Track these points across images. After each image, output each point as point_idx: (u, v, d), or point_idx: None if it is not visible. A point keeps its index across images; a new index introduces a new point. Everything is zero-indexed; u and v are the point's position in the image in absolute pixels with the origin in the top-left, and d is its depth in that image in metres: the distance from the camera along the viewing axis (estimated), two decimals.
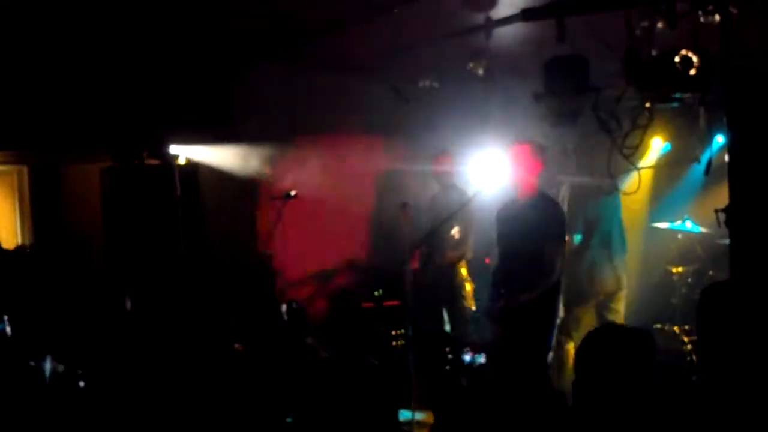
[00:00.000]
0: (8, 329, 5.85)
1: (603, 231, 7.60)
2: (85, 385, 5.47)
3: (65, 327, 6.25)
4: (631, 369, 3.26)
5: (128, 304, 6.98)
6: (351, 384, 5.05)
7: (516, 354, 6.07)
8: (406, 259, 7.06)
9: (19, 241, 9.09)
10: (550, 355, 6.35)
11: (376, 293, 8.02)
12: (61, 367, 5.53)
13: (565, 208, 7.25)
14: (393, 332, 7.89)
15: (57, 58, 7.63)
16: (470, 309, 7.83)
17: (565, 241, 6.31)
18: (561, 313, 6.42)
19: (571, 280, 7.28)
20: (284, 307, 7.60)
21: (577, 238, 7.65)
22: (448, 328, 7.87)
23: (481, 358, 5.87)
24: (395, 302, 8.04)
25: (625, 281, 7.62)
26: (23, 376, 5.33)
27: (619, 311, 7.51)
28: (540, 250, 6.12)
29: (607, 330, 3.42)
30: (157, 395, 5.70)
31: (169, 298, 7.46)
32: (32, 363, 5.50)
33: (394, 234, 7.41)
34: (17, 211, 9.11)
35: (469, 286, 7.88)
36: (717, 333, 3.33)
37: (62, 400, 5.39)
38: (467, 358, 6.10)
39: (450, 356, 6.15)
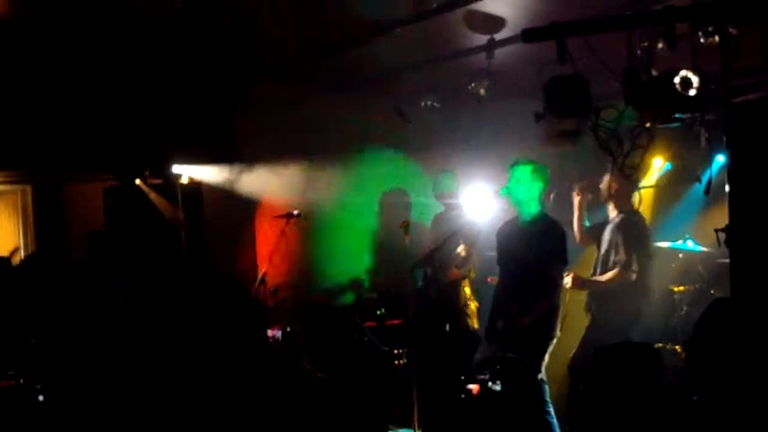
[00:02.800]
0: None
1: None
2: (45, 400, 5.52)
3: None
4: (639, 385, 3.27)
5: (130, 320, 6.99)
6: (344, 404, 5.07)
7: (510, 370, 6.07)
8: (408, 278, 7.08)
9: (22, 258, 9.11)
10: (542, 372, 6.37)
11: (378, 312, 8.02)
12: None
13: None
14: (395, 351, 7.88)
15: (60, 78, 7.67)
16: (474, 327, 7.83)
17: (566, 260, 6.33)
18: (558, 332, 6.42)
19: None
20: (279, 332, 7.65)
21: None
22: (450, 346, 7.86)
23: (498, 386, 5.84)
24: (397, 321, 8.03)
25: None
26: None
27: None
28: (541, 269, 6.14)
29: (615, 347, 3.43)
30: (156, 411, 5.72)
31: (170, 316, 7.47)
32: None
33: (396, 253, 7.42)
34: (20, 231, 9.14)
35: (473, 305, 7.88)
36: (716, 350, 3.34)
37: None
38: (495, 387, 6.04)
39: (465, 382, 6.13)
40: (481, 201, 7.12)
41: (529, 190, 6.38)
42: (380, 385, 7.49)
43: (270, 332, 7.69)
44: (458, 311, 7.80)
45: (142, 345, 6.72)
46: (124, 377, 6.03)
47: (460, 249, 7.60)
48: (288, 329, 7.61)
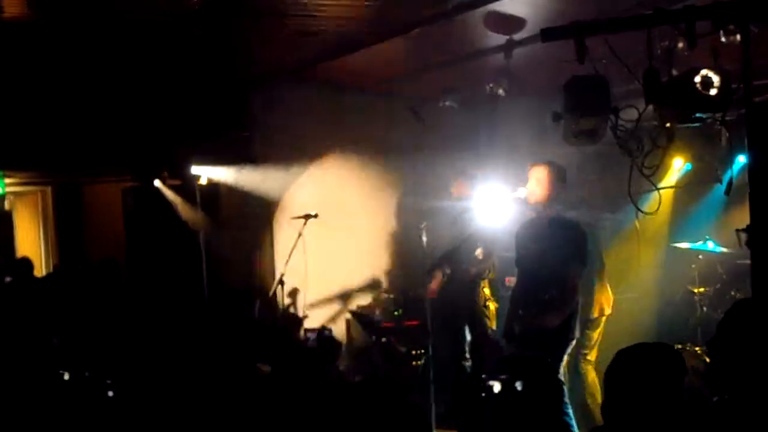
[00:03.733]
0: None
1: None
2: (114, 394, 5.54)
3: (96, 341, 6.35)
4: (662, 385, 3.25)
5: (150, 321, 7.04)
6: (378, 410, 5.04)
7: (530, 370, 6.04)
8: (425, 280, 7.08)
9: (43, 259, 9.18)
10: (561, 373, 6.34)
11: (395, 313, 8.02)
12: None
13: None
14: (413, 352, 7.88)
15: (79, 80, 7.72)
16: (492, 328, 7.81)
17: (585, 262, 6.29)
18: (577, 333, 6.39)
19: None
20: (314, 335, 7.65)
21: None
22: (467, 347, 7.85)
23: (518, 385, 5.82)
24: (415, 322, 8.03)
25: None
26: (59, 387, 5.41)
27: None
28: (560, 271, 6.11)
29: (637, 348, 3.41)
30: (181, 413, 5.73)
31: (189, 315, 7.50)
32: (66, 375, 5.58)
33: (413, 254, 7.41)
34: (41, 231, 9.21)
35: (492, 306, 7.87)
36: (739, 351, 3.31)
37: (92, 409, 5.46)
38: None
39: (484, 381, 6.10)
40: (497, 202, 7.10)
41: (547, 191, 6.35)
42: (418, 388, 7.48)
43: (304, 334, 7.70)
44: (476, 311, 7.79)
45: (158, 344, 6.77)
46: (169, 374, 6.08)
47: (478, 252, 7.58)
48: (325, 332, 7.61)
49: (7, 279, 7.67)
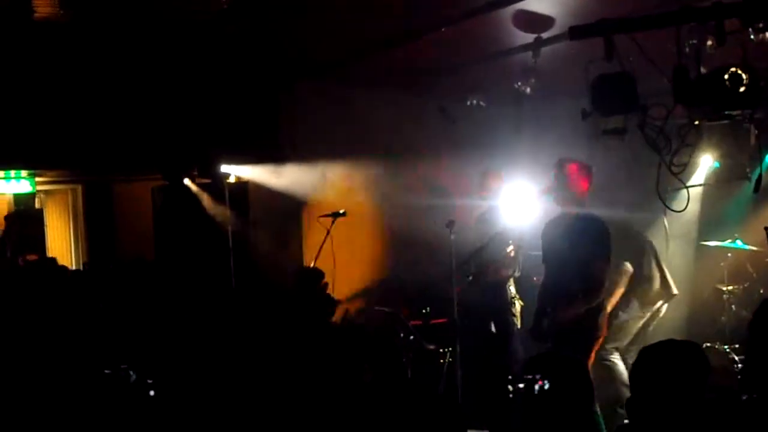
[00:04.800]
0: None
1: None
2: (156, 393, 5.60)
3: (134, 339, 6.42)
4: (686, 382, 3.26)
5: (178, 319, 7.09)
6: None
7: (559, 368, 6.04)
8: (453, 277, 7.08)
9: (72, 257, 9.27)
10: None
11: (423, 311, 8.03)
12: (133, 376, 5.67)
13: None
14: (441, 350, 7.89)
15: (110, 80, 7.79)
16: (518, 326, 7.80)
17: (610, 257, 6.30)
18: (604, 330, 6.39)
19: None
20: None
21: None
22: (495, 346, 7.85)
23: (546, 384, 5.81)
24: (443, 320, 8.04)
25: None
26: (101, 383, 5.47)
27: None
28: (587, 266, 6.12)
29: (661, 345, 3.43)
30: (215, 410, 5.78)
31: (219, 314, 7.56)
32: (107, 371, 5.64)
33: (442, 252, 7.42)
34: (71, 229, 9.30)
35: (519, 304, 7.87)
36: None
37: (137, 408, 5.52)
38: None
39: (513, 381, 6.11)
40: (524, 200, 7.11)
41: (574, 189, 6.35)
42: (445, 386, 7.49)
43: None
44: (504, 310, 7.79)
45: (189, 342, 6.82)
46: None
47: (510, 249, 7.57)
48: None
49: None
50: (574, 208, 6.36)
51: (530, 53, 6.97)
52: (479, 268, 7.72)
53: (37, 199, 9.25)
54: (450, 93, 8.67)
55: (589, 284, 6.12)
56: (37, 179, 8.90)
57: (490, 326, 7.80)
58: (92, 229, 9.40)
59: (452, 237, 7.04)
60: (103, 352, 5.98)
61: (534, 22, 6.58)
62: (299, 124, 8.79)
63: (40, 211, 9.19)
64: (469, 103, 8.30)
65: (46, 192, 9.69)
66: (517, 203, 7.31)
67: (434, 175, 9.46)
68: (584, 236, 6.19)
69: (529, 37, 6.92)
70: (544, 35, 6.82)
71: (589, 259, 6.12)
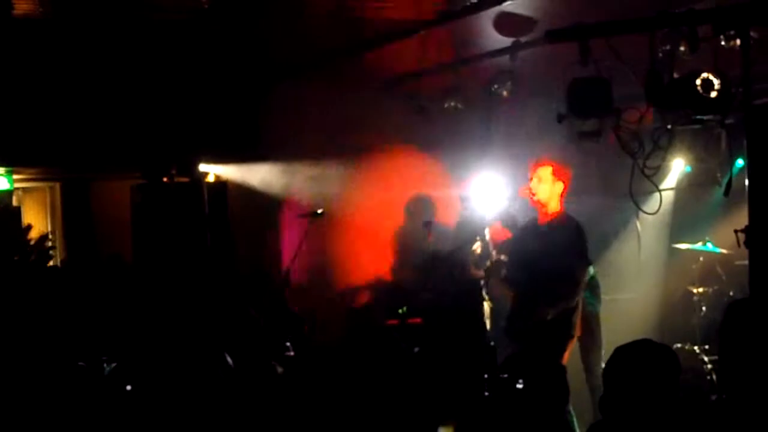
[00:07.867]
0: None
1: None
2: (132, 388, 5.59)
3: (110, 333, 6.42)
4: (658, 382, 3.33)
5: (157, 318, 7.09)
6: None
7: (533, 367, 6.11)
8: (428, 277, 7.12)
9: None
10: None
11: (400, 311, 8.07)
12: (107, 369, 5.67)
13: None
14: (416, 350, 7.93)
15: (88, 77, 7.78)
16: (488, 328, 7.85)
17: (588, 259, 6.37)
18: (577, 331, 6.46)
19: None
20: None
21: None
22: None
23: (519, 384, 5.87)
24: (419, 319, 8.09)
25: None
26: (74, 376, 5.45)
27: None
28: (565, 268, 6.18)
29: (632, 346, 3.49)
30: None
31: (197, 313, 7.56)
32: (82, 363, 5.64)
33: (419, 251, 7.47)
34: (49, 227, 9.24)
35: (487, 305, 7.91)
36: (739, 351, 3.39)
37: (111, 401, 5.51)
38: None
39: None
40: (499, 201, 7.09)
41: (550, 190, 6.41)
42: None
43: None
44: (477, 310, 7.83)
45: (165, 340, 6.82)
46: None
47: (476, 246, 7.62)
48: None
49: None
50: (550, 209, 6.43)
51: (507, 56, 7.06)
52: (452, 269, 7.76)
53: (14, 197, 9.19)
54: (428, 95, 8.72)
55: (567, 284, 6.20)
56: (15, 176, 8.85)
57: (465, 327, 7.85)
58: (70, 226, 9.35)
59: (429, 237, 7.08)
60: (80, 346, 5.97)
61: (514, 25, 6.66)
62: (278, 123, 8.82)
63: (18, 209, 9.13)
64: (446, 105, 8.36)
65: (23, 189, 9.63)
66: (492, 204, 7.32)
67: (412, 174, 9.50)
68: (561, 236, 6.26)
69: (508, 41, 7.00)
70: (523, 39, 6.90)
71: (566, 259, 6.19)
